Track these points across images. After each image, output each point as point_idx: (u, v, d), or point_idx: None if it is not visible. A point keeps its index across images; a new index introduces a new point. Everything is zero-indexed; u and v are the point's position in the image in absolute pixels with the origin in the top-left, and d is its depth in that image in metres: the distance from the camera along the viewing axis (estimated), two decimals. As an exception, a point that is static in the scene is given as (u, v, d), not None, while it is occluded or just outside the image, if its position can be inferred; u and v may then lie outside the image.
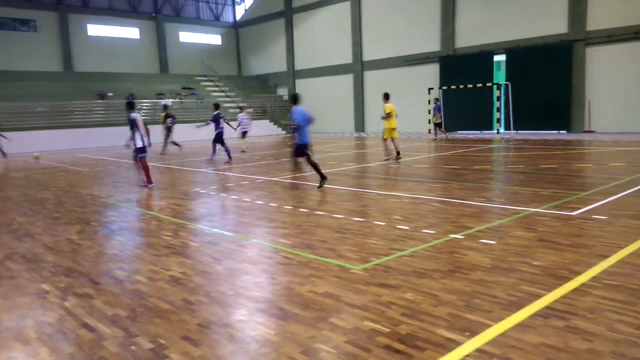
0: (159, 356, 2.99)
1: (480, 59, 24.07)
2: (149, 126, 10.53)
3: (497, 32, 23.39)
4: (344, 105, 31.35)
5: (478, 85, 22.83)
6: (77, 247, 5.69)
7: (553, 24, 21.67)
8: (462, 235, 5.43)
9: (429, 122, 23.26)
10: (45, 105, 25.03)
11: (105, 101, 27.94)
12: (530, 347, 2.90)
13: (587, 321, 3.22)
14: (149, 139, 10.34)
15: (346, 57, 30.74)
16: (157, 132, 24.43)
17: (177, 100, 30.58)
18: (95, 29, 32.88)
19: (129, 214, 7.62)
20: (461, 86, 23.27)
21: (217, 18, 39.44)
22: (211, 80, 35.86)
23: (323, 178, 9.31)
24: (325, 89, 32.37)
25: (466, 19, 24.63)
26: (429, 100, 25.11)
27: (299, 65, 34.35)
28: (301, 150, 9.54)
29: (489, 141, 19.37)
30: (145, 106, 28.86)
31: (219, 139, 15.52)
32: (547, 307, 3.46)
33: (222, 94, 34.69)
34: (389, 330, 3.20)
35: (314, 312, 3.55)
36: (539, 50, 21.96)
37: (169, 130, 19.96)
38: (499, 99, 23.23)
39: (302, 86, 34.36)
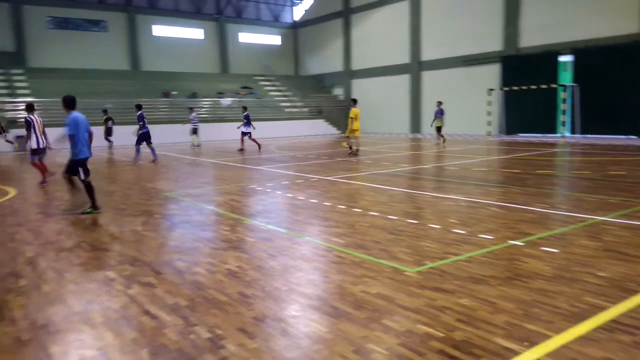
0: (217, 346, 3.10)
1: (544, 59, 23.08)
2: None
3: (565, 31, 22.35)
4: (400, 106, 31.01)
5: (542, 86, 21.91)
6: (141, 238, 5.98)
7: (626, 23, 20.43)
8: (522, 242, 5.25)
9: (489, 124, 22.60)
10: (114, 102, 26.38)
11: (169, 99, 29.09)
12: (593, 362, 2.77)
13: (658, 338, 3.03)
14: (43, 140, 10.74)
15: (403, 57, 30.39)
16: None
17: (236, 99, 31.35)
18: (160, 30, 34.30)
19: (189, 208, 7.91)
20: (524, 87, 22.43)
21: (276, 19, 40.11)
22: (269, 80, 36.51)
23: (94, 206, 7.56)
24: (381, 89, 32.17)
25: (531, 17, 23.70)
26: (489, 102, 24.40)
27: (355, 65, 34.31)
28: (75, 167, 7.53)
29: (553, 145, 18.56)
30: (206, 104, 29.83)
31: (144, 138, 15.85)
32: (612, 321, 3.29)
33: (280, 93, 35.24)
34: (443, 335, 3.15)
35: (366, 312, 3.55)
36: (609, 51, 20.75)
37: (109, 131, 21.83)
38: (564, 101, 22.21)
39: (358, 86, 34.32)
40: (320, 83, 37.72)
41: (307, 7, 39.20)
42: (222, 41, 36.81)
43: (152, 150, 15.82)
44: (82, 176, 7.52)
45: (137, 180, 11.39)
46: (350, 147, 16.65)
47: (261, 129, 29.16)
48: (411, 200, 8.19)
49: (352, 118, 16.21)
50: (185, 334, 3.28)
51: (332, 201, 8.06)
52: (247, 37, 38.29)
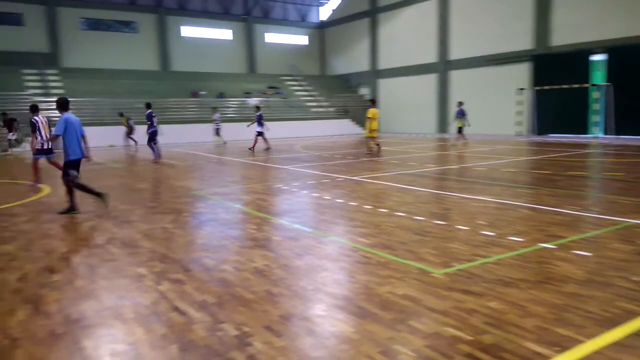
0: (244, 343, 3.13)
1: (576, 58, 22.55)
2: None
3: (597, 30, 21.77)
4: (426, 106, 30.74)
5: (574, 86, 21.39)
6: (170, 235, 6.09)
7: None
8: (553, 245, 5.13)
9: (518, 124, 22.19)
10: (144, 102, 26.88)
11: (197, 99, 29.50)
12: (628, 369, 2.69)
13: (697, 347, 2.93)
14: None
15: (430, 56, 30.11)
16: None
17: (263, 98, 31.59)
18: (189, 31, 34.82)
19: (216, 206, 8.01)
20: (555, 87, 21.93)
21: (303, 19, 40.24)
22: (295, 80, 36.66)
23: (72, 207, 7.55)
24: (407, 88, 31.95)
25: (563, 15, 23.18)
26: (519, 101, 23.96)
27: (382, 64, 34.16)
28: (66, 168, 7.52)
29: (585, 146, 18.10)
30: (234, 104, 30.14)
31: (152, 137, 15.99)
32: (648, 328, 3.19)
33: (306, 93, 35.35)
34: (471, 338, 3.11)
35: (393, 313, 3.53)
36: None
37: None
38: (597, 101, 21.63)
39: (384, 86, 34.16)
40: (347, 83, 37.69)
41: (334, 7, 39.21)
42: (249, 41, 37.15)
43: (157, 150, 16.19)
44: (69, 176, 7.48)
45: (166, 179, 11.59)
46: (371, 148, 17.04)
47: (287, 129, 29.51)
48: (438, 201, 8.11)
49: (370, 118, 16.51)
50: (213, 331, 3.32)
51: (358, 201, 8.05)
52: (274, 37, 38.54)
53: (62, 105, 7.52)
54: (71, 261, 5.08)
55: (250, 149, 19.26)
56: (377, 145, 17.04)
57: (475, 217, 6.67)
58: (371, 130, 16.59)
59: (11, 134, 20.18)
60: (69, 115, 7.47)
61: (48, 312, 3.74)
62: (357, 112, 33.34)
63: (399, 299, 3.79)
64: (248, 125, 20.21)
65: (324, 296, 3.93)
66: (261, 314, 3.60)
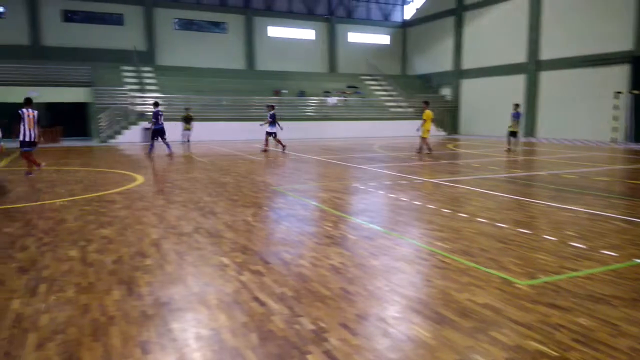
0: (320, 338, 3.19)
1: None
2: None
3: None
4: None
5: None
6: (252, 228, 6.33)
7: None
8: (652, 262, 4.73)
9: (614, 130, 20.55)
10: (229, 100, 28.06)
11: (279, 97, 30.28)
12: None
13: None
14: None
15: (519, 56, 28.67)
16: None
17: (342, 98, 31.77)
18: (275, 31, 35.78)
19: (295, 202, 8.19)
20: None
21: (386, 18, 39.93)
22: (375, 80, 36.48)
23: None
24: (492, 89, 30.67)
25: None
26: (616, 105, 22.25)
27: (466, 64, 33.06)
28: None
29: (693, 156, 16.44)
30: (313, 103, 30.59)
31: (158, 134, 16.66)
32: None
33: (385, 93, 35.08)
34: (557, 354, 2.96)
35: (472, 321, 3.44)
36: None
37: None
38: None
39: (467, 86, 33.06)
40: (427, 83, 36.90)
41: (418, 6, 38.54)
42: (331, 41, 37.48)
43: (153, 145, 16.96)
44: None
45: (248, 174, 12.03)
46: (429, 148, 17.36)
47: (364, 128, 29.47)
48: (523, 208, 7.74)
49: (424, 120, 17.06)
50: (290, 323, 3.42)
51: (436, 204, 7.88)
52: (356, 36, 38.57)
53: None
54: (161, 247, 5.43)
55: (263, 151, 18.35)
56: (428, 147, 17.30)
57: (564, 227, 6.30)
58: (426, 131, 17.16)
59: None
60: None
61: (140, 293, 4.03)
62: (437, 113, 32.55)
63: (479, 308, 3.68)
64: (261, 125, 19.19)
65: (400, 298, 3.90)
66: (337, 310, 3.65)
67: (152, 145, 17.31)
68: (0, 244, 5.59)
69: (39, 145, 11.69)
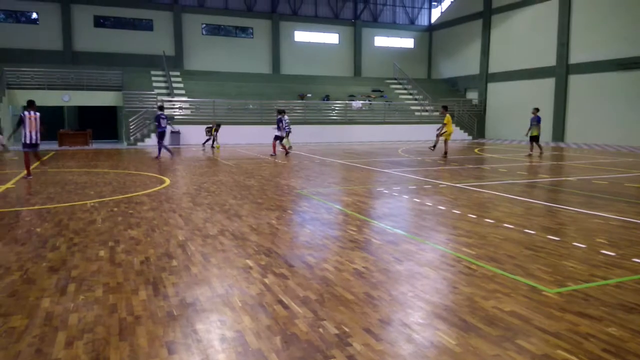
0: (343, 343, 3.18)
1: None
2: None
3: None
4: (542, 112, 28.68)
5: None
6: (276, 231, 6.36)
7: None
8: (688, 272, 4.57)
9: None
10: (255, 104, 28.29)
11: (303, 101, 30.41)
12: None
13: None
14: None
15: (549, 60, 28.13)
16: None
17: (366, 102, 31.69)
18: (301, 35, 35.98)
19: (319, 206, 8.20)
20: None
21: (412, 22, 39.72)
22: (400, 83, 36.30)
23: None
24: (520, 93, 30.16)
25: None
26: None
27: (493, 68, 32.61)
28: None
29: None
30: (338, 107, 30.60)
31: (161, 136, 16.92)
32: None
33: (410, 96, 34.85)
34: (586, 364, 2.88)
35: (499, 330, 3.38)
36: None
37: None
38: None
39: (494, 90, 32.60)
40: (454, 87, 36.53)
41: (444, 9, 38.23)
42: (356, 45, 37.47)
43: (161, 148, 17.00)
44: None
45: (272, 177, 12.10)
46: (446, 151, 18.07)
47: (389, 132, 29.32)
48: (552, 214, 7.58)
49: (445, 124, 18.06)
50: (314, 327, 3.42)
51: (462, 209, 7.78)
52: (381, 40, 38.46)
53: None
54: (187, 249, 5.51)
55: (271, 155, 18.27)
56: (445, 150, 18.00)
57: (595, 234, 6.14)
58: (448, 135, 18.11)
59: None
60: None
61: (166, 294, 4.09)
62: (463, 117, 32.19)
63: (506, 316, 3.61)
64: (274, 128, 18.97)
65: (424, 304, 3.86)
66: (361, 315, 3.63)
67: (164, 148, 17.23)
68: (32, 244, 5.76)
69: (39, 147, 11.97)
